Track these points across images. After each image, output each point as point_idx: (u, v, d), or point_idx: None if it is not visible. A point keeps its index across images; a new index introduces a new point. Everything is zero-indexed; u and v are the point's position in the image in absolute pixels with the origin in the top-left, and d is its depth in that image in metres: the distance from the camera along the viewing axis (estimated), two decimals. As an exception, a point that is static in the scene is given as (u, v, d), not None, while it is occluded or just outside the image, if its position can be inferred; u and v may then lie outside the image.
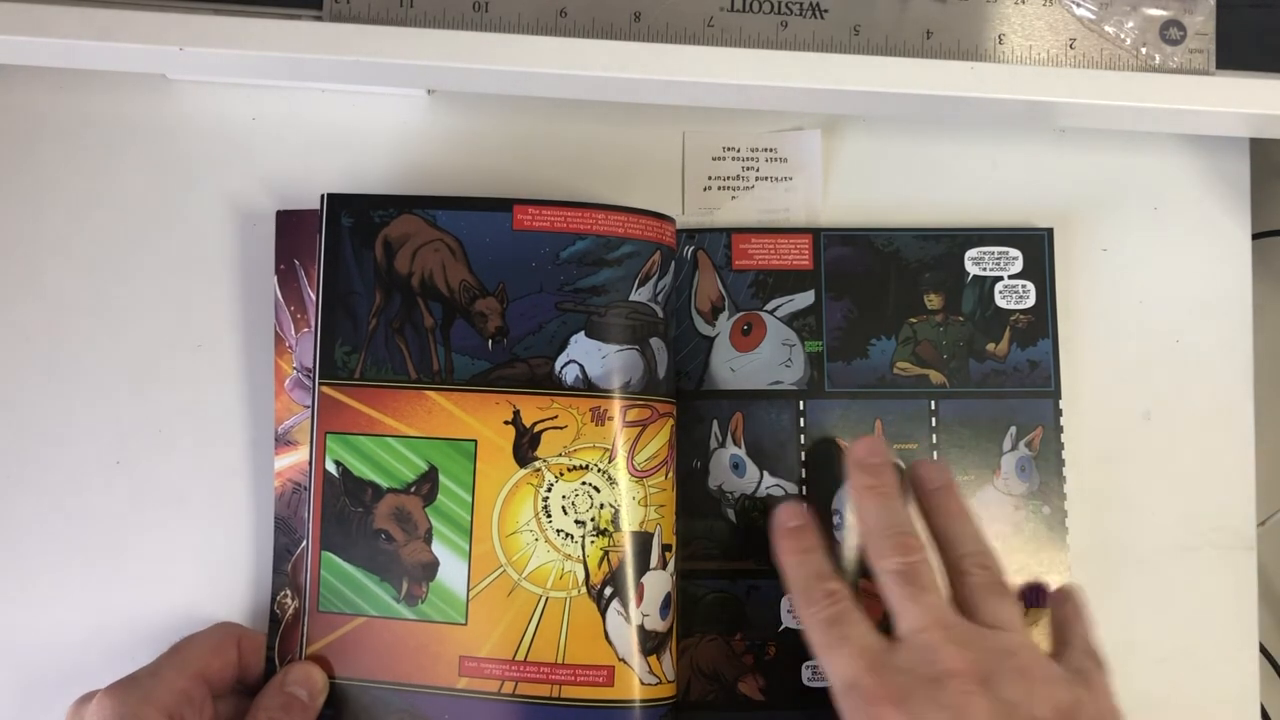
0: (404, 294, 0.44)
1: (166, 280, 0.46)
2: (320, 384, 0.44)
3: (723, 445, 0.46)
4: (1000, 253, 0.47)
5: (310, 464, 0.44)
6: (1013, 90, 0.41)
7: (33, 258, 0.46)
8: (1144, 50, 0.42)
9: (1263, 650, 0.48)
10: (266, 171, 0.47)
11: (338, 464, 0.43)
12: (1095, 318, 0.48)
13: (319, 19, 0.40)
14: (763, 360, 0.46)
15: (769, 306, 0.47)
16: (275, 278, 0.45)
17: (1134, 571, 0.47)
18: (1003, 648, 0.38)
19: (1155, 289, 0.49)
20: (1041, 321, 0.47)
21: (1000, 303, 0.47)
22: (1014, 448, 0.46)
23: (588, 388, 0.43)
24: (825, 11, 0.42)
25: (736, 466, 0.46)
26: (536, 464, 0.43)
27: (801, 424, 0.46)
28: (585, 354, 0.43)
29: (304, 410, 0.45)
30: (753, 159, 0.48)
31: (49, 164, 0.47)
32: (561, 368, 0.43)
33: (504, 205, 0.44)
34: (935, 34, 0.42)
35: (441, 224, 0.44)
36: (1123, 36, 0.42)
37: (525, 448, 0.43)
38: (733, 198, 0.48)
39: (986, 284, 0.47)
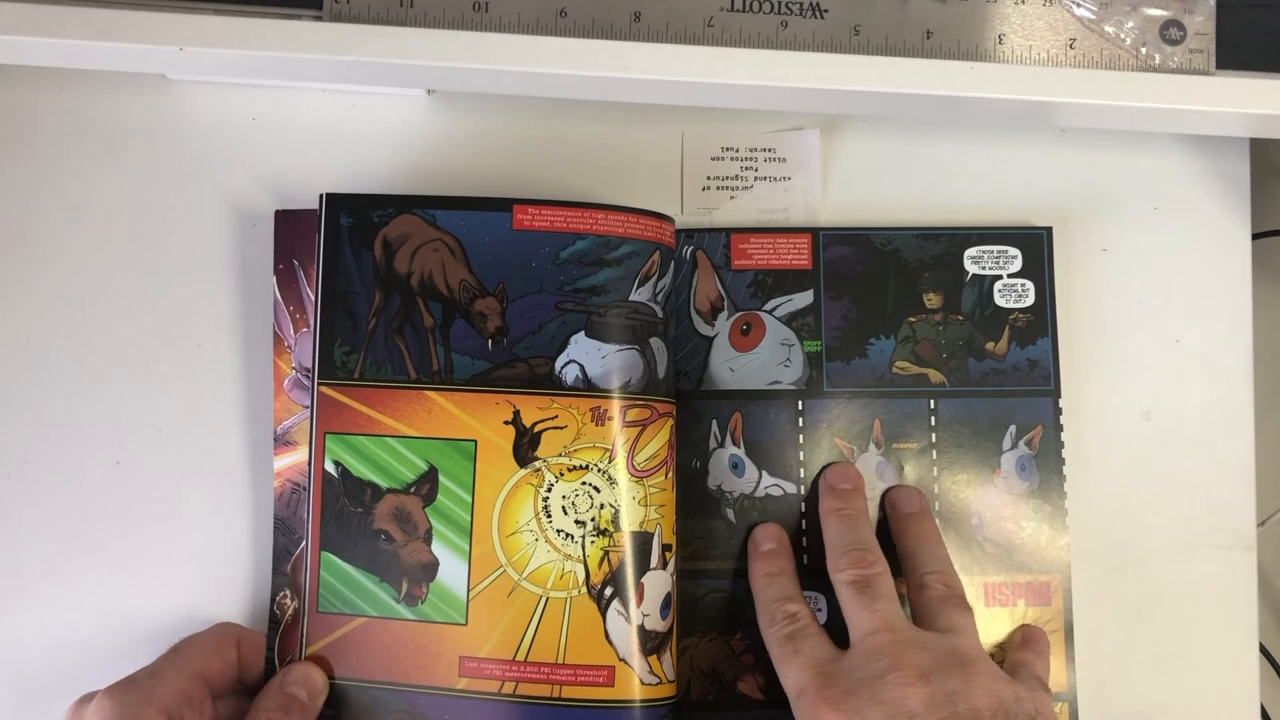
0: (403, 294, 0.44)
1: (166, 280, 0.46)
2: (319, 384, 0.43)
3: (722, 445, 0.46)
4: (999, 252, 0.47)
5: (309, 464, 0.43)
6: (1013, 90, 0.41)
7: (33, 257, 0.46)
8: (1144, 50, 0.42)
9: (1263, 650, 0.48)
10: (266, 171, 0.47)
11: (337, 464, 0.43)
12: (1095, 317, 0.48)
13: (319, 19, 0.40)
14: (762, 360, 0.46)
15: (768, 306, 0.47)
16: (274, 278, 0.45)
17: (1134, 571, 0.47)
18: (949, 648, 0.39)
19: (1155, 289, 0.49)
20: (1041, 320, 0.47)
21: (999, 302, 0.47)
22: (1014, 446, 0.46)
23: (588, 388, 0.43)
24: (825, 11, 0.42)
25: (736, 466, 0.46)
26: (536, 464, 0.43)
27: (800, 424, 0.46)
28: (585, 354, 0.43)
29: (303, 410, 0.45)
30: (751, 159, 0.48)
31: (48, 164, 0.47)
32: (562, 368, 0.43)
33: (504, 205, 0.44)
34: (935, 34, 0.42)
35: (441, 224, 0.44)
36: (1123, 36, 0.42)
37: (525, 448, 0.43)
38: (731, 197, 0.48)
39: (986, 283, 0.47)
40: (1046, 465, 0.46)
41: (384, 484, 0.43)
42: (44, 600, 0.45)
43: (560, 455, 0.43)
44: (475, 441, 0.43)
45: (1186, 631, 0.47)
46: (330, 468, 0.43)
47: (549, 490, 0.43)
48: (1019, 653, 0.44)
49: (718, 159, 0.48)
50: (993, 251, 0.47)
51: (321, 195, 0.44)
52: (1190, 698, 0.47)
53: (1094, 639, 0.46)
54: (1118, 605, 0.47)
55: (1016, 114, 0.44)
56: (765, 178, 0.48)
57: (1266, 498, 0.49)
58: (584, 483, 0.43)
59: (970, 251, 0.47)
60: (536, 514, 0.43)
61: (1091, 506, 0.47)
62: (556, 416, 0.43)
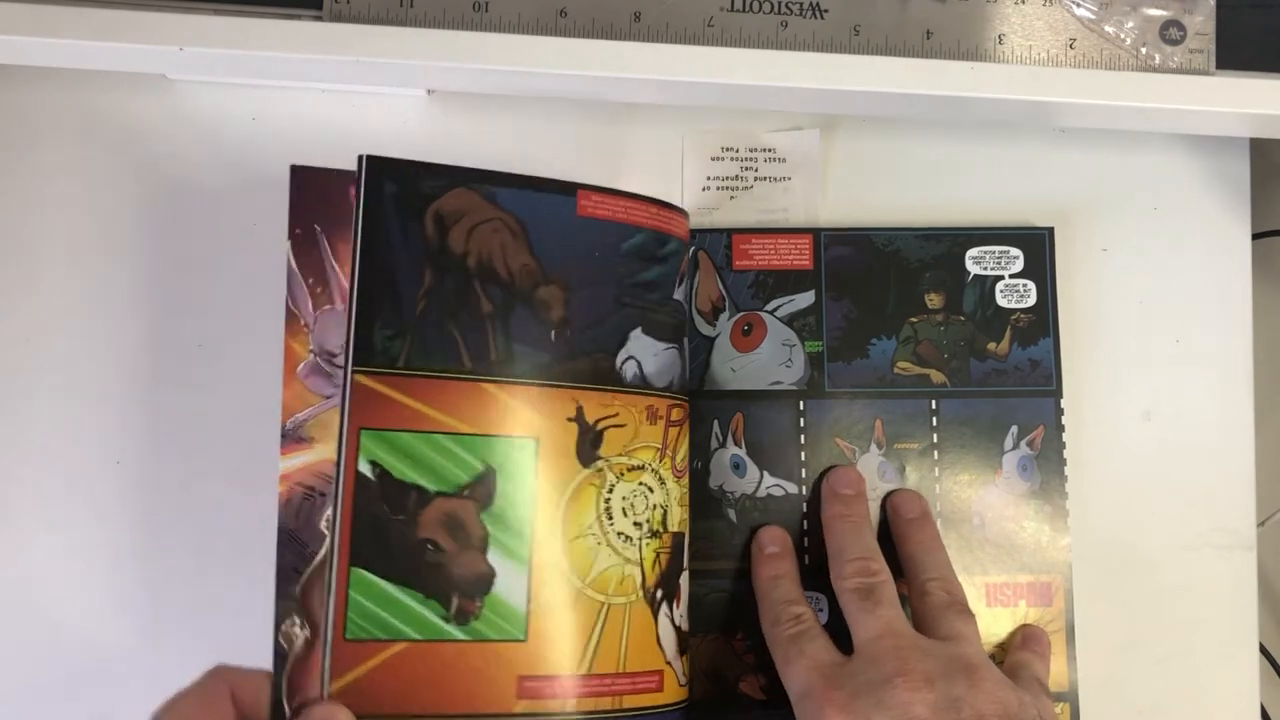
0: (458, 275, 0.39)
1: (166, 280, 0.46)
2: (354, 372, 0.38)
3: (723, 445, 0.46)
4: (1001, 252, 0.47)
5: (338, 466, 0.38)
6: (1013, 90, 0.41)
7: (33, 257, 0.46)
8: (1144, 50, 0.42)
9: (1263, 650, 0.48)
10: (266, 171, 0.47)
11: (374, 465, 0.38)
12: (1095, 318, 0.48)
13: (319, 19, 0.40)
14: (763, 360, 0.46)
15: (769, 306, 0.47)
16: (289, 243, 0.39)
17: (1134, 571, 0.47)
18: (953, 654, 0.39)
19: (1155, 289, 0.49)
20: (1042, 320, 0.47)
21: (1001, 302, 0.47)
22: (1015, 447, 0.46)
23: (643, 385, 0.41)
24: (825, 11, 0.42)
25: (737, 467, 0.46)
26: (599, 464, 0.40)
27: (802, 424, 0.46)
28: (643, 351, 0.42)
29: (322, 401, 0.39)
30: (751, 159, 0.48)
31: (48, 164, 0.47)
32: (622, 364, 0.41)
33: (568, 189, 0.41)
34: (935, 34, 0.42)
35: (502, 202, 0.40)
36: (1123, 36, 0.42)
37: (588, 447, 0.40)
38: (732, 198, 0.48)
39: (987, 283, 0.47)
40: (1048, 466, 0.46)
41: (432, 487, 0.38)
42: (44, 600, 0.45)
43: (620, 455, 0.41)
44: (538, 440, 0.39)
45: (1186, 631, 0.47)
46: (366, 469, 0.38)
47: (610, 491, 0.40)
48: (1020, 653, 0.44)
49: (718, 159, 0.48)
50: (994, 252, 0.47)
51: (361, 156, 0.39)
52: (1190, 698, 0.47)
53: (1094, 638, 0.46)
54: (1118, 605, 0.47)
55: (1016, 114, 0.44)
56: (765, 178, 0.48)
57: (1266, 498, 0.49)
58: (641, 483, 0.41)
59: (972, 252, 0.47)
60: (599, 516, 0.40)
61: (1092, 506, 0.47)
62: (618, 414, 0.41)
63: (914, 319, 0.47)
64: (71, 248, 0.46)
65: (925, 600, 0.42)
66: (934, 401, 0.46)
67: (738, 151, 0.48)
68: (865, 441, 0.46)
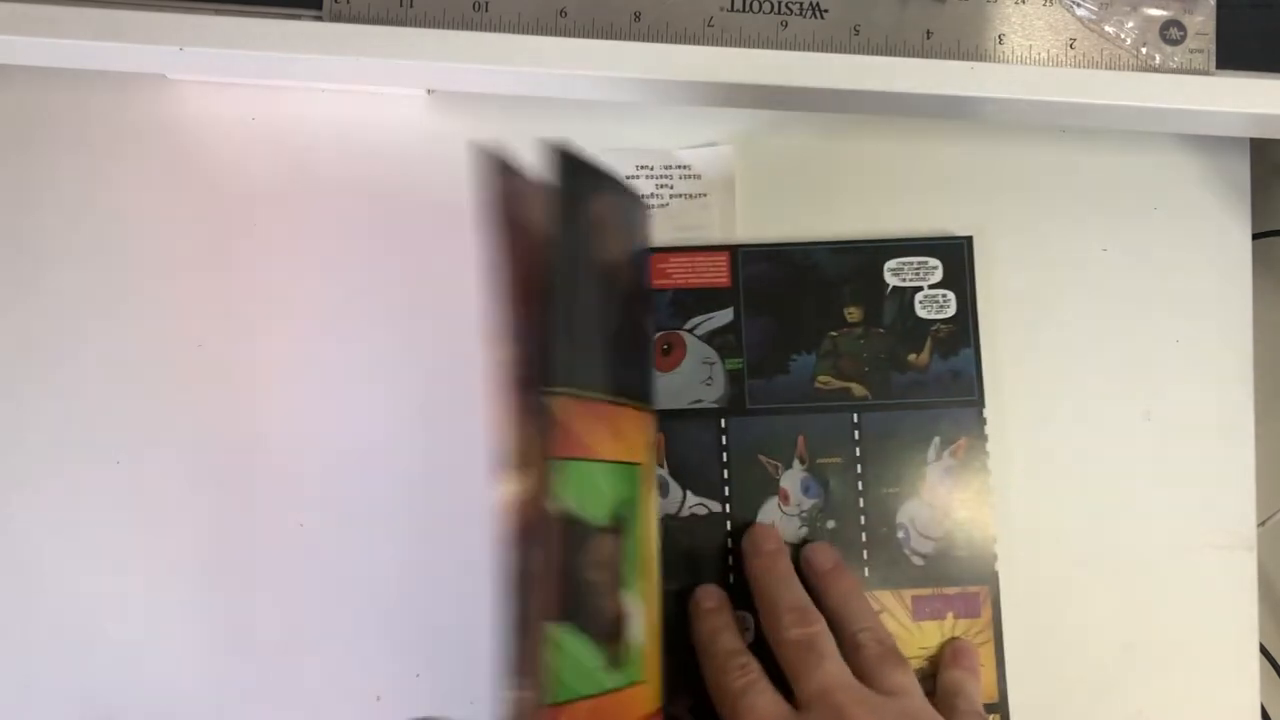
0: (604, 287, 0.37)
1: (166, 280, 0.46)
2: (551, 394, 0.33)
3: None
4: (919, 263, 0.47)
5: (533, 502, 0.33)
6: (1013, 90, 0.41)
7: (33, 258, 0.46)
8: (1144, 50, 0.42)
9: (1263, 650, 0.48)
10: (266, 171, 0.47)
11: (561, 500, 0.34)
12: (1094, 317, 0.48)
13: (319, 19, 0.40)
14: (683, 379, 0.46)
15: (688, 325, 0.46)
16: (483, 236, 0.34)
17: (1133, 572, 0.47)
18: (901, 710, 0.39)
19: (1155, 289, 0.49)
20: (963, 331, 0.46)
21: (921, 313, 0.47)
22: (938, 458, 0.46)
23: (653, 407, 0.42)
24: (825, 11, 0.41)
25: (661, 487, 0.45)
26: (657, 487, 0.40)
27: (724, 442, 0.46)
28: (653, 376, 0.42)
29: (514, 423, 0.34)
30: (667, 176, 0.47)
31: (49, 164, 0.47)
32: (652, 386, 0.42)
33: (644, 206, 0.40)
34: (935, 34, 0.42)
35: (621, 211, 0.38)
36: (1123, 36, 0.42)
37: (655, 470, 0.40)
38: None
39: (906, 295, 0.47)
40: (972, 476, 0.46)
41: (593, 520, 0.35)
42: (44, 602, 0.45)
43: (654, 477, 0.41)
44: (640, 465, 0.38)
45: (1186, 631, 0.47)
46: (562, 505, 0.34)
47: (660, 516, 0.40)
48: (952, 672, 0.44)
49: (633, 177, 0.47)
50: (912, 263, 0.47)
51: (558, 148, 0.35)
52: (1190, 698, 0.47)
53: (1093, 639, 0.46)
54: (1117, 605, 0.47)
55: (1016, 114, 0.44)
56: (681, 195, 0.47)
57: (1266, 498, 0.49)
58: (655, 506, 0.41)
59: (890, 264, 0.47)
60: (658, 542, 0.40)
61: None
62: (655, 439, 0.41)
63: (834, 333, 0.46)
64: (71, 247, 0.46)
65: (859, 653, 0.42)
66: (855, 415, 0.46)
67: (652, 169, 0.47)
68: (788, 457, 0.46)
